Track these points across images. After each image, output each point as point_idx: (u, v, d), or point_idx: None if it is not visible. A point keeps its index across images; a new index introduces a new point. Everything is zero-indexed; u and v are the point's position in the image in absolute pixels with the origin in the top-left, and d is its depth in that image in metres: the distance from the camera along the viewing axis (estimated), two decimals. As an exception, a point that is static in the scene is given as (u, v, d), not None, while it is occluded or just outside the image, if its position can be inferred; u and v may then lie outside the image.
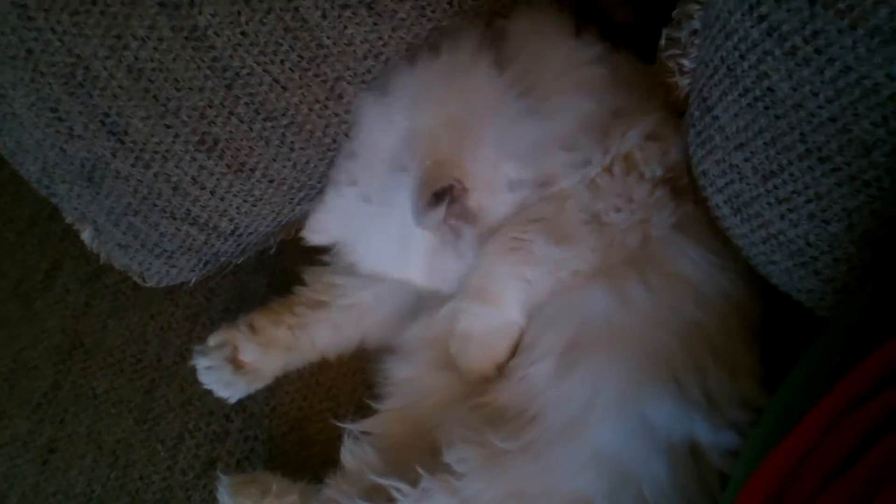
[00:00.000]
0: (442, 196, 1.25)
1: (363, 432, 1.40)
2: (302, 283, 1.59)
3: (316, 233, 1.47)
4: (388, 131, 1.35)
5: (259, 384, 1.55)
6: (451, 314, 1.37)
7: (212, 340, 1.53)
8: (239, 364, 1.52)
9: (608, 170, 1.30)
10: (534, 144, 1.30)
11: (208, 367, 1.52)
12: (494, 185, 1.30)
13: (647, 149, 1.31)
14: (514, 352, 1.33)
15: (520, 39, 1.36)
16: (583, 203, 1.29)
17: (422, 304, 1.47)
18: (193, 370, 1.55)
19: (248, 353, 1.52)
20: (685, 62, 1.31)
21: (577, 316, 1.27)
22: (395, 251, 1.36)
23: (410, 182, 1.28)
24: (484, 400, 1.31)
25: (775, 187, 1.11)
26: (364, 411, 1.45)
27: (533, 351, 1.29)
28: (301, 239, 1.49)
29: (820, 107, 0.99)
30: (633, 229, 1.28)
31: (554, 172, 1.31)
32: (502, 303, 1.31)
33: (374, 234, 1.39)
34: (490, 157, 1.29)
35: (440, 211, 1.25)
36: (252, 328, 1.53)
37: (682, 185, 1.32)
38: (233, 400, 1.54)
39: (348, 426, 1.40)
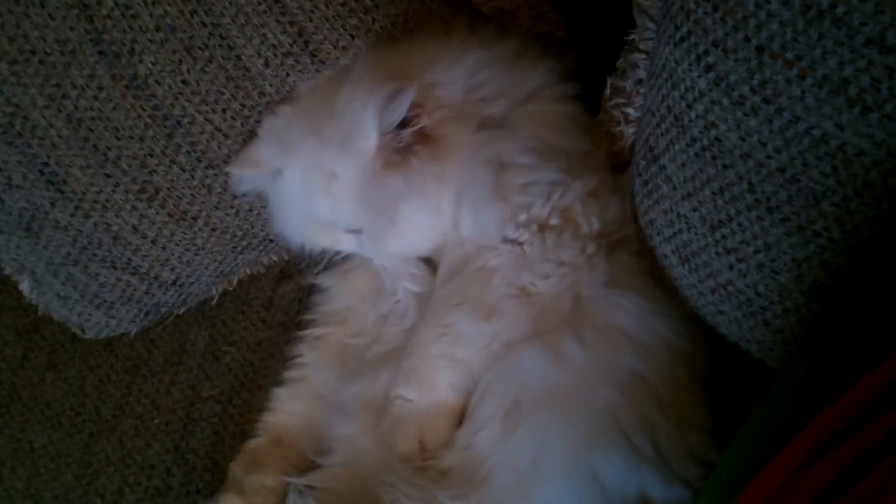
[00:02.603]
0: (400, 97, 1.21)
1: (307, 486, 1.36)
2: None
3: (244, 165, 1.40)
4: (346, 73, 1.35)
5: None
6: (389, 384, 1.36)
7: None
8: None
9: (543, 226, 1.29)
10: (503, 87, 1.30)
11: None
12: (463, 115, 1.28)
13: (587, 203, 1.31)
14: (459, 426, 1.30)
15: None
16: (507, 279, 1.28)
17: (363, 364, 1.43)
18: (133, 423, 1.52)
19: None
20: (630, 111, 1.31)
21: (515, 379, 1.25)
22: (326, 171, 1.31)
23: (364, 88, 1.26)
24: (428, 464, 1.29)
25: (724, 237, 1.11)
26: (304, 464, 1.42)
27: (475, 421, 1.27)
28: (243, 291, 1.47)
29: (769, 157, 0.99)
30: (564, 294, 1.27)
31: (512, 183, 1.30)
32: (433, 384, 1.30)
33: (306, 150, 1.32)
34: (459, 83, 1.28)
35: (401, 109, 1.22)
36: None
37: (616, 239, 1.32)
38: None
39: (292, 480, 1.37)
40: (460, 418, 1.30)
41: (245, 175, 1.41)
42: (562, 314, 1.27)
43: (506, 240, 1.30)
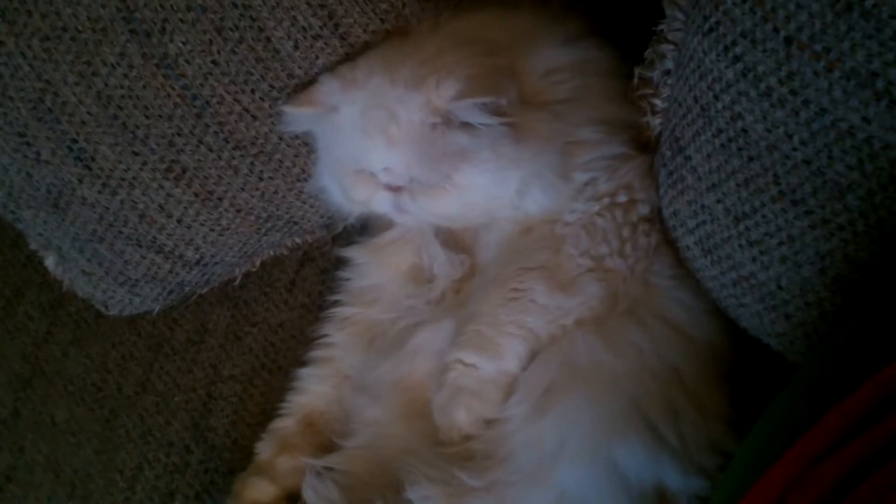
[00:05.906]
0: (486, 110, 1.20)
1: (325, 468, 1.36)
2: None
3: (299, 104, 1.34)
4: (430, 29, 1.35)
5: None
6: (417, 351, 1.35)
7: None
8: None
9: (612, 203, 1.30)
10: (574, 68, 1.30)
11: None
12: (540, 101, 1.27)
13: (646, 179, 1.32)
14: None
15: None
16: (582, 247, 1.27)
17: (389, 341, 1.42)
18: (154, 401, 1.53)
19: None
20: (657, 102, 1.31)
21: (562, 360, 1.24)
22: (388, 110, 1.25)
23: (453, 58, 1.24)
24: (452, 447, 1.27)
25: (747, 229, 1.11)
26: (326, 447, 1.43)
27: (513, 396, 1.25)
28: (266, 272, 1.47)
29: (794, 149, 0.99)
30: (636, 278, 1.27)
31: (582, 141, 1.30)
32: (501, 352, 1.26)
33: (372, 86, 1.26)
34: (540, 70, 1.27)
35: (481, 117, 1.20)
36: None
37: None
38: None
39: (310, 461, 1.37)
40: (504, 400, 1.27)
41: (299, 113, 1.34)
42: (632, 298, 1.27)
43: (573, 211, 1.30)
